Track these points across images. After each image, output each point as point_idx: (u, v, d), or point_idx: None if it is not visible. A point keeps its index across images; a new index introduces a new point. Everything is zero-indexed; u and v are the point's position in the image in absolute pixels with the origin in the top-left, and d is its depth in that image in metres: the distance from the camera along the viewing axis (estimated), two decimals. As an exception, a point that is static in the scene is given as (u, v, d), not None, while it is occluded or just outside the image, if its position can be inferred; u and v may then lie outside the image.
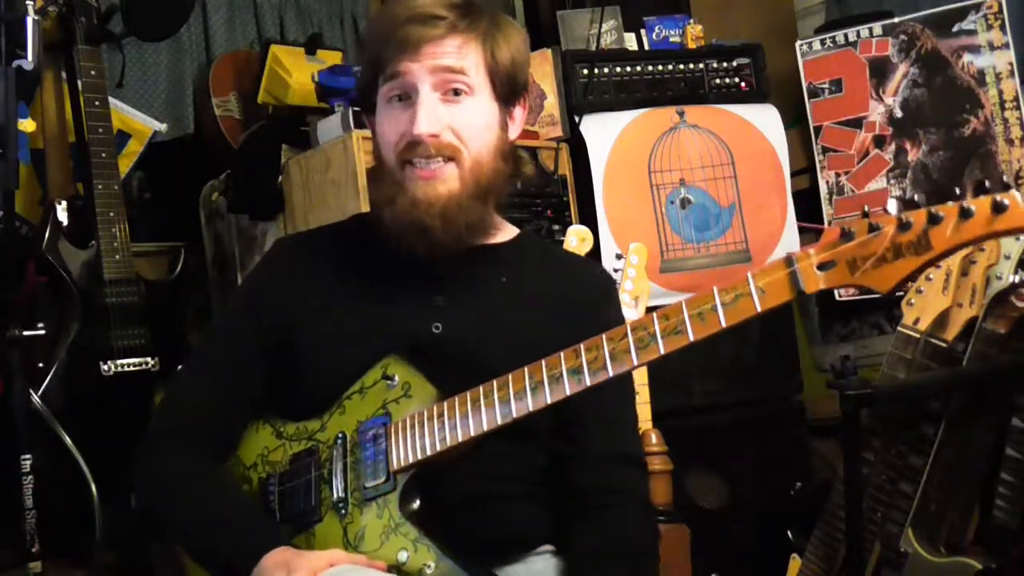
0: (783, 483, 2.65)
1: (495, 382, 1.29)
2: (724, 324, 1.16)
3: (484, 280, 1.48)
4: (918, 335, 2.25)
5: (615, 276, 2.23)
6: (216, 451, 1.47)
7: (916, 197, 1.12)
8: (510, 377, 1.28)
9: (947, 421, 2.22)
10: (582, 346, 1.25)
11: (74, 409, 2.47)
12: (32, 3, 2.31)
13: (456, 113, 1.41)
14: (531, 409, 1.26)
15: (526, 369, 1.27)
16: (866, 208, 1.15)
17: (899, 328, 2.29)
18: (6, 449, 2.30)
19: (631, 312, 2.19)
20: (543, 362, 1.26)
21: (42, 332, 2.48)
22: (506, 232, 1.55)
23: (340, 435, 1.39)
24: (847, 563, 2.25)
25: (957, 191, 1.08)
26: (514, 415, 1.27)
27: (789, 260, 1.13)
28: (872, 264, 1.09)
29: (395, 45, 1.40)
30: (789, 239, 2.91)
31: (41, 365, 2.49)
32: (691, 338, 1.17)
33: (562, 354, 1.25)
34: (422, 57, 1.39)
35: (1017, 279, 2.21)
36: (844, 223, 1.12)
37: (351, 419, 1.39)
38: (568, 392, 1.24)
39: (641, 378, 2.26)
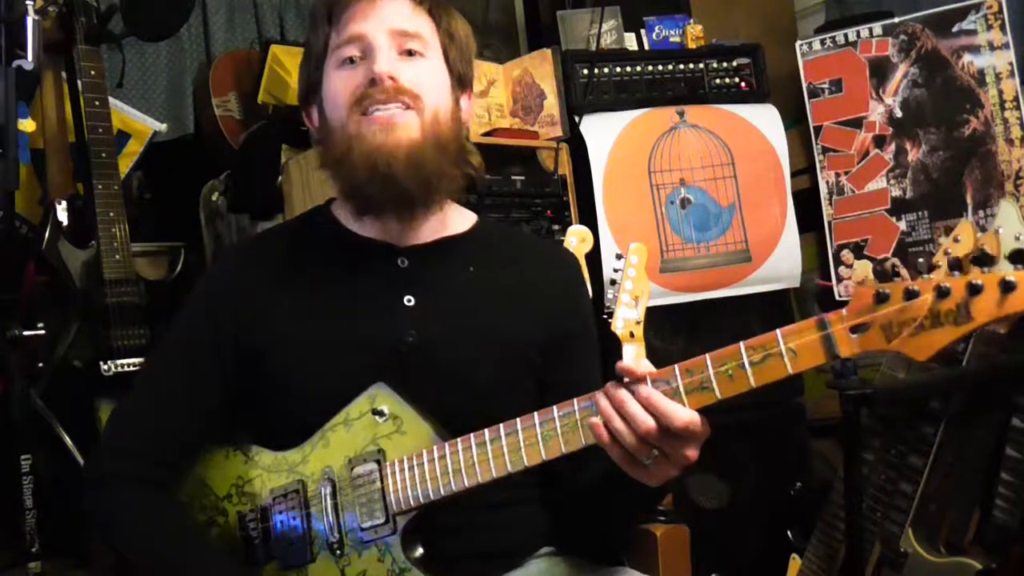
0: (783, 483, 2.65)
1: (502, 427, 1.23)
2: (753, 384, 1.11)
3: (451, 272, 1.43)
4: (918, 335, 2.25)
5: (615, 276, 2.23)
6: (170, 479, 1.41)
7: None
8: (519, 423, 1.23)
9: (947, 421, 2.22)
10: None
11: (74, 409, 2.47)
12: (32, 3, 2.31)
13: (411, 67, 1.38)
14: (544, 457, 1.21)
15: (536, 415, 1.22)
16: (894, 265, 1.10)
17: (899, 328, 2.29)
18: (6, 449, 2.30)
19: (632, 312, 2.19)
20: (555, 408, 1.21)
21: (42, 332, 2.47)
22: (464, 220, 1.50)
23: (327, 470, 1.33)
24: (847, 563, 2.25)
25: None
26: (526, 463, 1.22)
27: (822, 323, 1.09)
28: (909, 332, 1.05)
29: (347, 5, 1.39)
30: (789, 239, 2.91)
31: (41, 365, 2.48)
32: (718, 395, 1.13)
33: (575, 401, 1.20)
34: (377, 17, 1.37)
35: (1017, 279, 2.21)
36: (879, 286, 1.07)
37: (337, 454, 1.33)
38: (584, 442, 1.19)
39: (641, 378, 2.25)
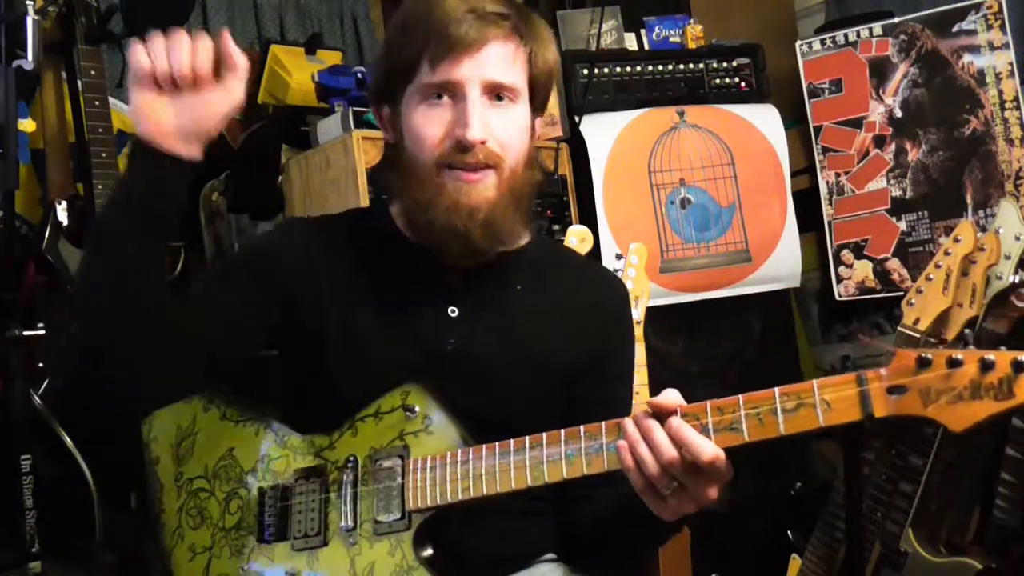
0: (783, 483, 2.65)
1: (527, 440, 1.24)
2: (783, 431, 1.11)
3: (498, 289, 1.44)
4: (918, 335, 2.25)
5: (615, 276, 2.23)
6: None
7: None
8: (544, 438, 1.23)
9: (947, 421, 2.22)
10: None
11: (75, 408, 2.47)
12: (32, 3, 2.32)
13: (500, 119, 1.35)
14: (565, 476, 1.21)
15: (563, 433, 1.22)
16: (941, 333, 1.07)
17: (899, 328, 2.29)
18: (6, 449, 2.30)
19: (631, 312, 2.19)
20: (582, 428, 1.21)
21: (42, 332, 2.47)
22: (520, 237, 1.50)
23: (351, 459, 1.35)
24: (847, 563, 2.25)
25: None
26: (547, 479, 1.22)
27: (860, 379, 1.08)
28: (948, 400, 1.04)
29: (449, 40, 1.31)
30: (789, 239, 2.91)
31: (41, 365, 2.48)
32: (746, 438, 1.12)
33: (603, 425, 1.20)
34: (476, 64, 1.32)
35: (1017, 279, 2.22)
36: (920, 350, 1.06)
37: (364, 443, 1.35)
38: (607, 467, 1.19)
39: (641, 379, 2.26)
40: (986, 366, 1.03)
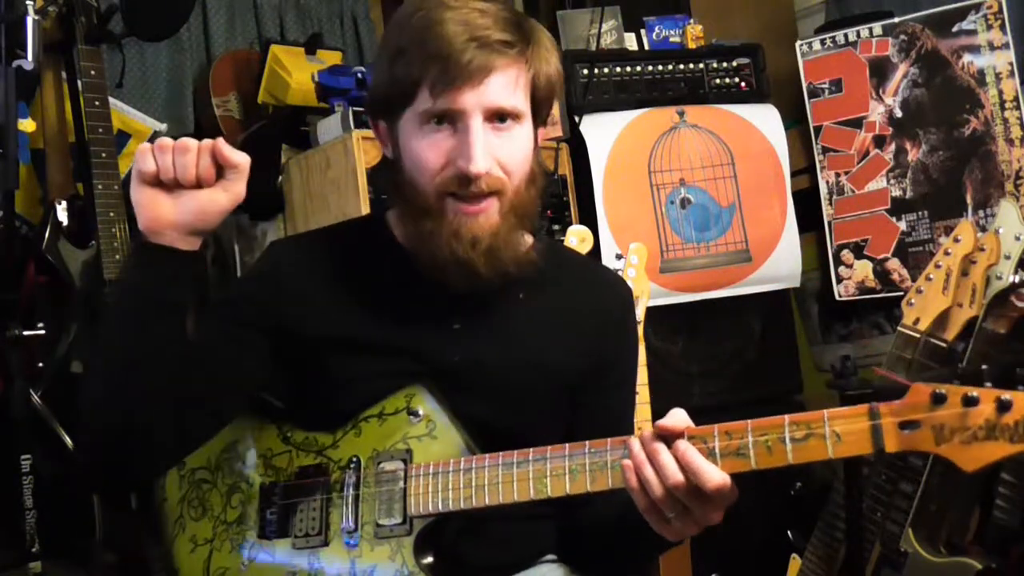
0: (783, 483, 2.65)
1: (531, 452, 1.23)
2: (791, 460, 1.10)
3: (501, 298, 1.41)
4: (918, 335, 2.25)
5: (615, 276, 2.23)
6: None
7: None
8: (548, 451, 1.22)
9: (947, 421, 2.22)
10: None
11: (74, 409, 2.47)
12: (32, 3, 2.32)
13: (503, 144, 1.31)
14: (568, 492, 1.21)
15: (567, 447, 1.21)
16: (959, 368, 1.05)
17: (899, 328, 2.29)
18: (6, 449, 2.30)
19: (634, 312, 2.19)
20: (587, 444, 1.21)
21: (42, 332, 2.47)
22: (522, 248, 1.46)
23: (354, 459, 1.34)
24: (847, 563, 2.25)
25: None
26: (549, 493, 1.21)
27: (873, 412, 1.07)
28: (961, 439, 1.02)
29: (451, 70, 1.26)
30: (789, 239, 2.91)
31: (41, 365, 2.48)
32: (753, 465, 1.11)
33: (609, 442, 1.19)
34: (479, 92, 1.27)
35: (1017, 279, 2.22)
36: (937, 387, 1.05)
37: (367, 444, 1.34)
38: (611, 485, 1.18)
39: (641, 378, 2.26)
40: (1003, 406, 1.01)
